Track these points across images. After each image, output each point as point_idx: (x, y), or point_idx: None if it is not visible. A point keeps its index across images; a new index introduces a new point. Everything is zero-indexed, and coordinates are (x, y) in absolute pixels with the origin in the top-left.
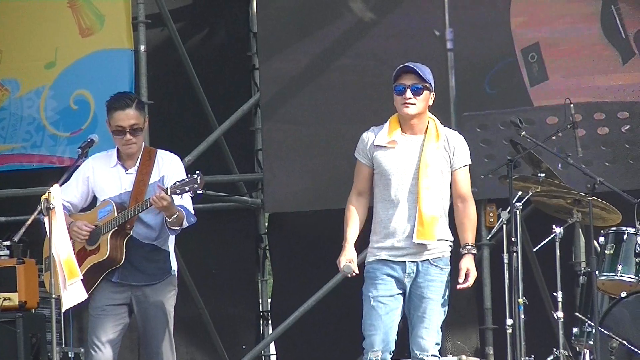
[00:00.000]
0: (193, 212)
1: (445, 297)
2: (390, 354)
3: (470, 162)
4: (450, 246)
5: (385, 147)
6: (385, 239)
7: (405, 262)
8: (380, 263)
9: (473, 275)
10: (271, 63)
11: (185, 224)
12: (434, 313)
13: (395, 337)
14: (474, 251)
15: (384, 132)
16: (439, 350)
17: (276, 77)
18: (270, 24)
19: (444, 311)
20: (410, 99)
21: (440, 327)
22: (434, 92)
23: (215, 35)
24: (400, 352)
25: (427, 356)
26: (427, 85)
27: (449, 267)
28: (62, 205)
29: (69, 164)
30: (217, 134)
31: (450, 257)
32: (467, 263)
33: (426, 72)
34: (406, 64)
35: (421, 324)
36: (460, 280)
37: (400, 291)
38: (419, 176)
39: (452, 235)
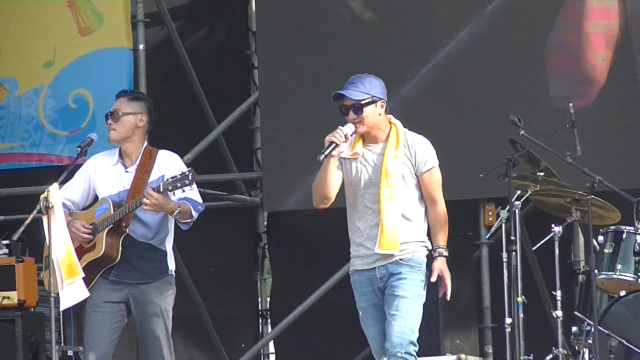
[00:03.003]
0: (201, 200)
1: (420, 294)
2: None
3: (437, 163)
4: (424, 247)
5: (349, 159)
6: (358, 247)
7: (375, 268)
8: (357, 274)
9: (448, 277)
10: (270, 62)
11: (195, 214)
12: (407, 310)
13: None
14: (446, 254)
15: (348, 144)
16: (438, 349)
17: (275, 76)
18: (269, 22)
19: (419, 309)
20: (355, 118)
21: (439, 325)
22: (382, 100)
23: (214, 34)
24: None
25: (401, 353)
26: (367, 100)
27: (423, 266)
28: (63, 203)
29: (68, 162)
30: (216, 132)
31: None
32: (440, 265)
33: (363, 87)
34: (336, 92)
35: (394, 322)
36: (433, 279)
37: (381, 296)
38: (380, 186)
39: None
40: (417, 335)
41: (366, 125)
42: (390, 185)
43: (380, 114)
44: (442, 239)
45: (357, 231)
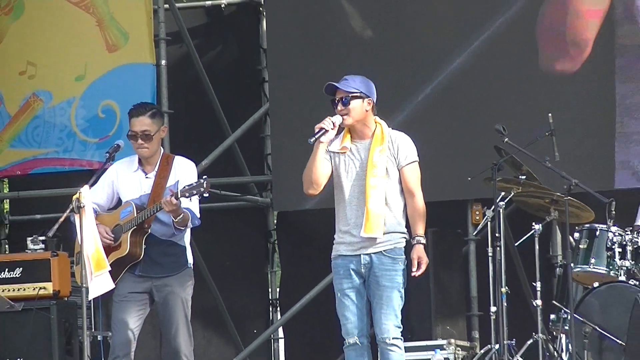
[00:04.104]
0: (199, 215)
1: (401, 283)
2: (367, 337)
3: (417, 159)
4: (404, 237)
5: (338, 153)
6: (343, 235)
7: (360, 255)
8: (340, 259)
9: (425, 262)
10: (279, 76)
11: (190, 225)
12: (391, 299)
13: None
14: (423, 241)
15: (338, 140)
16: (431, 334)
17: (284, 89)
18: (279, 40)
19: (401, 297)
20: (342, 110)
21: (431, 313)
22: (370, 97)
23: (228, 51)
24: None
25: (389, 338)
26: (355, 94)
27: (403, 256)
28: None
29: (98, 167)
30: (230, 140)
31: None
32: (418, 252)
33: (352, 82)
34: (329, 83)
35: (380, 310)
36: (414, 269)
37: (361, 280)
38: (366, 177)
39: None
40: (400, 317)
41: (352, 117)
42: (376, 176)
43: (366, 110)
44: (420, 228)
45: (344, 219)
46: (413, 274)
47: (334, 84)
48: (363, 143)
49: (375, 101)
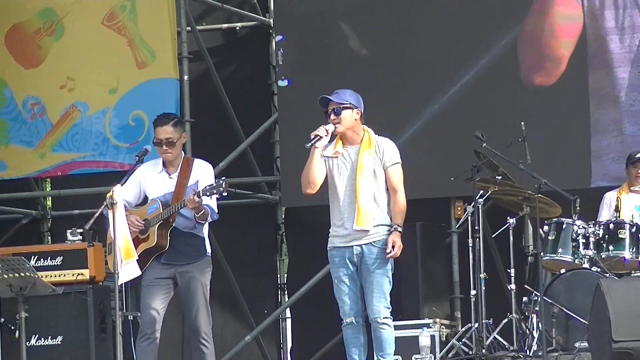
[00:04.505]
0: (217, 210)
1: (389, 269)
2: (362, 317)
3: (400, 161)
4: (390, 230)
5: (331, 157)
6: (338, 228)
7: (352, 246)
8: (335, 250)
9: (398, 246)
10: (286, 89)
11: (209, 219)
12: (381, 283)
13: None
14: (400, 229)
15: (331, 145)
16: (422, 316)
17: (290, 100)
18: (286, 58)
19: (389, 281)
20: (334, 119)
21: (419, 296)
22: (359, 108)
23: (242, 67)
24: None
25: (380, 318)
26: (346, 105)
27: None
28: None
29: (128, 168)
30: (244, 145)
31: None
32: (394, 237)
33: (343, 95)
34: (323, 96)
35: (372, 293)
36: (388, 251)
37: (354, 268)
38: (356, 177)
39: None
40: (389, 299)
41: (343, 126)
42: (364, 176)
43: (355, 119)
44: (399, 218)
45: (338, 215)
46: (388, 256)
47: (327, 96)
48: (353, 148)
49: (362, 111)
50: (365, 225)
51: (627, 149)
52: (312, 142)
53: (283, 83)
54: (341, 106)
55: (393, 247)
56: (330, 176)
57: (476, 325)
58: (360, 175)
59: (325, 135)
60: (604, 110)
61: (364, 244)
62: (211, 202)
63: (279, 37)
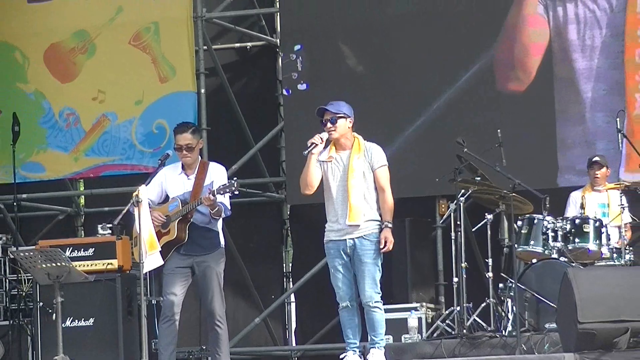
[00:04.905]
0: (229, 207)
1: (378, 258)
2: (355, 301)
3: (386, 164)
4: (378, 225)
5: (325, 162)
6: (333, 224)
7: (345, 239)
8: (330, 242)
9: (390, 241)
10: (291, 101)
11: (223, 215)
12: (372, 272)
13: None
14: (390, 225)
15: (326, 151)
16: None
17: (295, 110)
18: (290, 74)
19: (379, 269)
20: (330, 127)
21: (407, 283)
22: (351, 117)
23: (252, 81)
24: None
25: (372, 302)
26: (340, 115)
27: (378, 239)
28: None
29: (152, 170)
30: (254, 150)
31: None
32: (385, 233)
33: (338, 106)
34: (320, 107)
35: (364, 280)
36: (381, 246)
37: (348, 258)
38: (347, 179)
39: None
40: (379, 286)
41: (338, 133)
42: (355, 178)
43: (348, 127)
44: (388, 215)
45: (332, 212)
46: (382, 251)
47: (324, 107)
48: (345, 153)
49: (353, 120)
50: (356, 220)
51: (591, 138)
52: (309, 150)
53: (302, 87)
54: (337, 115)
55: (386, 242)
56: (325, 178)
57: (458, 308)
58: (351, 176)
59: (320, 143)
60: (570, 104)
61: (356, 237)
62: (225, 200)
63: (297, 47)
